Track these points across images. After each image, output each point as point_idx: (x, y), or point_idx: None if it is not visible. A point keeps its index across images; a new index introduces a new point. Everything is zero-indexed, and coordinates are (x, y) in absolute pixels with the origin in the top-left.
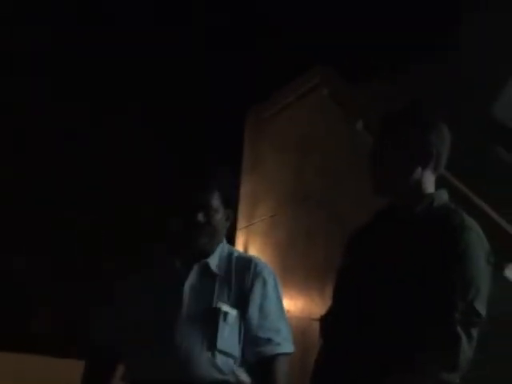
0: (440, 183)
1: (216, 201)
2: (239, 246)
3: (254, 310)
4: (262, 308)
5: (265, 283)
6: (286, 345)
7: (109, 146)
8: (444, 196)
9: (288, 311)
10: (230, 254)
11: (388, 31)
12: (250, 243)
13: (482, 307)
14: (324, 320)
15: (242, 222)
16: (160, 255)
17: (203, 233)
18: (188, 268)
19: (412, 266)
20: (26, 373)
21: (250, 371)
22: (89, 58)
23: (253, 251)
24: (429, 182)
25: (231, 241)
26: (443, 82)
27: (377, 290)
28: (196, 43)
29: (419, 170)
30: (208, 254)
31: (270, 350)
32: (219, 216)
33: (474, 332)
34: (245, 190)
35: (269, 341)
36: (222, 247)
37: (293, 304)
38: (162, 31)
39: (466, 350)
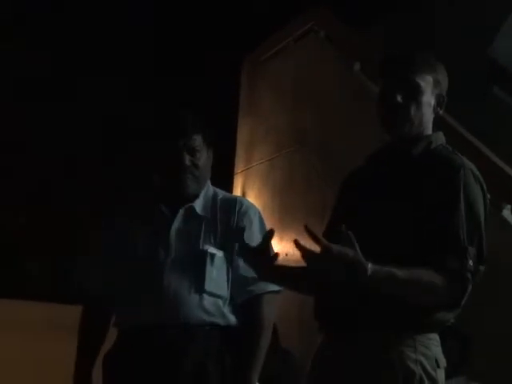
0: (438, 123)
1: (199, 142)
2: (237, 190)
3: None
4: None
5: (251, 223)
6: (268, 284)
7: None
8: (441, 138)
9: (287, 254)
10: (215, 196)
11: None
12: (247, 186)
13: (486, 252)
14: None
15: (239, 166)
16: (146, 202)
17: (191, 176)
18: (174, 213)
19: (411, 207)
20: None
21: (236, 311)
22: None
23: (251, 194)
24: (429, 123)
25: (229, 184)
26: (441, 24)
27: (374, 232)
28: None
29: (432, 115)
30: (193, 198)
31: (258, 288)
32: (204, 157)
33: (478, 275)
34: (242, 134)
35: (257, 279)
36: (207, 189)
37: (292, 247)
38: None
39: (468, 294)
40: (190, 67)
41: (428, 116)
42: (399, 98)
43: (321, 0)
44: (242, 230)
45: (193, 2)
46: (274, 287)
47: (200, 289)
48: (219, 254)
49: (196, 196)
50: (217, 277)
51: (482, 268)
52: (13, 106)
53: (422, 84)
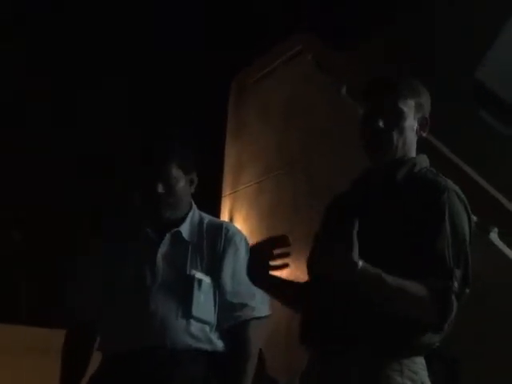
0: (424, 146)
1: (174, 169)
2: (225, 213)
3: (227, 277)
4: (234, 274)
5: (236, 249)
6: (261, 308)
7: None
8: (425, 161)
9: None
10: (201, 221)
11: None
12: (235, 210)
13: (471, 273)
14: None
15: (227, 189)
16: (133, 227)
17: (165, 204)
18: (161, 237)
19: (393, 232)
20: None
21: (223, 337)
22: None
23: (238, 218)
24: (412, 146)
25: (216, 207)
26: (427, 47)
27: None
28: (182, 10)
29: (414, 138)
30: (179, 222)
31: (245, 314)
32: (181, 184)
33: (463, 298)
34: (229, 157)
35: (244, 305)
36: (193, 214)
37: (279, 271)
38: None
39: (453, 317)
40: (178, 89)
41: (411, 139)
42: (381, 124)
43: (308, 22)
44: (228, 256)
45: (179, 24)
46: (261, 313)
47: (187, 314)
48: (206, 279)
49: (181, 220)
50: (204, 302)
51: (467, 290)
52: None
53: (405, 109)
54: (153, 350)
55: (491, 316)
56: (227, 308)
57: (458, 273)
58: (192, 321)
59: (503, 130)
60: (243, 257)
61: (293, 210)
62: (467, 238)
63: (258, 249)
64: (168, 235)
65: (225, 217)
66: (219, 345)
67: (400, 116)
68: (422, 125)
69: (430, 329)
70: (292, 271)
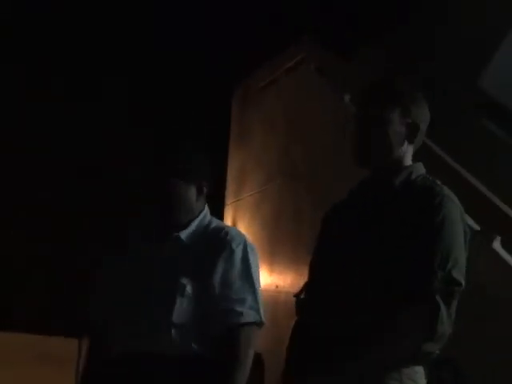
0: (424, 153)
1: (175, 182)
2: (228, 221)
3: (216, 281)
4: (226, 278)
5: (231, 253)
6: (250, 314)
7: (91, 123)
8: (421, 168)
9: (277, 286)
10: (208, 226)
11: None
12: (238, 218)
13: (460, 276)
14: (299, 297)
15: (230, 197)
16: (138, 232)
17: (172, 215)
18: (162, 243)
19: (390, 238)
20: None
21: (213, 343)
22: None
23: (241, 226)
24: (409, 156)
25: (219, 215)
26: (429, 53)
27: (355, 263)
28: (184, 18)
29: (404, 146)
30: (183, 227)
31: (233, 320)
32: (182, 194)
33: (454, 302)
34: (232, 166)
35: (232, 311)
36: (202, 219)
37: (282, 279)
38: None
39: (445, 319)
40: (181, 99)
41: (399, 145)
42: (364, 132)
43: (311, 31)
44: (221, 260)
45: (182, 33)
46: (250, 318)
47: (169, 321)
48: (191, 285)
49: (185, 226)
50: (186, 309)
51: (457, 289)
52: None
53: (388, 115)
54: (141, 356)
55: (496, 323)
56: (215, 313)
57: (441, 274)
58: (173, 327)
59: (506, 138)
60: (238, 261)
61: (295, 219)
62: (460, 244)
63: None
64: (168, 240)
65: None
66: (209, 351)
67: (381, 123)
68: (412, 130)
69: (424, 339)
70: (294, 278)
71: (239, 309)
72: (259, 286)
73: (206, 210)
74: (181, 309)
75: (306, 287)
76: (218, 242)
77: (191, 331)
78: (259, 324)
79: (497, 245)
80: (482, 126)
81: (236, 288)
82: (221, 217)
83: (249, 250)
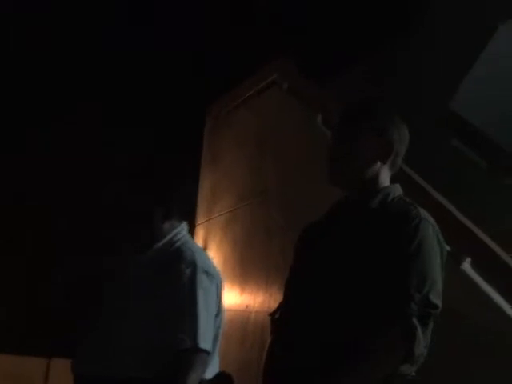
0: (398, 176)
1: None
2: (199, 241)
3: (163, 304)
4: (171, 301)
5: (179, 276)
6: (187, 341)
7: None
8: (398, 189)
9: (247, 306)
10: (171, 247)
11: (348, 24)
12: (209, 238)
13: (437, 299)
14: (273, 316)
15: (200, 218)
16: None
17: (138, 237)
18: (124, 264)
19: (366, 259)
20: None
21: (160, 367)
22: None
23: (212, 246)
24: (385, 178)
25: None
26: (402, 76)
27: (329, 284)
28: (157, 37)
29: (377, 165)
30: (146, 249)
31: (176, 345)
32: (154, 218)
33: (430, 324)
34: (204, 185)
35: (175, 336)
36: (167, 241)
37: (252, 298)
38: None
39: (421, 341)
40: (153, 119)
41: (372, 164)
42: (336, 152)
43: (284, 52)
44: (170, 283)
45: (156, 50)
46: (186, 345)
47: (120, 342)
48: (143, 307)
49: (148, 247)
50: (139, 331)
51: (433, 312)
52: None
53: (359, 136)
54: (94, 376)
55: (465, 346)
56: (159, 337)
57: (417, 297)
58: (125, 349)
59: (476, 159)
60: (186, 283)
61: (266, 239)
62: (437, 267)
63: None
64: (133, 259)
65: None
66: (153, 376)
67: (354, 140)
68: (386, 150)
69: (401, 361)
70: (264, 298)
71: (178, 335)
72: (207, 310)
73: (178, 229)
74: (128, 331)
75: (281, 306)
76: (171, 263)
77: (138, 354)
78: (196, 352)
79: (466, 266)
80: (453, 146)
81: (178, 313)
82: (191, 236)
83: (198, 273)
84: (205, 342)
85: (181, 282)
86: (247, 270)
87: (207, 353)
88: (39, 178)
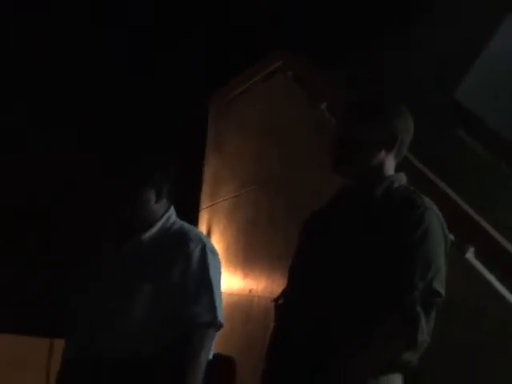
0: (403, 165)
1: (145, 193)
2: (202, 226)
3: (173, 282)
4: (182, 279)
5: (189, 254)
6: (205, 314)
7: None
8: (403, 178)
9: (250, 290)
10: (170, 228)
11: (352, 15)
12: (213, 223)
13: (440, 287)
14: (277, 302)
15: (205, 202)
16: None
17: (131, 223)
18: (124, 245)
19: (370, 247)
20: None
21: (169, 344)
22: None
23: (216, 231)
24: (390, 166)
25: (194, 221)
26: (408, 67)
27: (333, 272)
28: (163, 27)
29: (382, 154)
30: (145, 230)
31: (188, 320)
32: (146, 198)
33: (433, 311)
34: (208, 171)
35: (187, 312)
36: (164, 221)
37: (256, 283)
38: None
39: (425, 329)
40: (157, 106)
41: (377, 153)
42: (341, 141)
43: (287, 42)
44: (177, 263)
45: (158, 38)
46: (205, 319)
47: (123, 325)
48: (152, 286)
49: (147, 228)
50: (148, 310)
51: (436, 301)
52: None
53: (363, 126)
54: (95, 359)
55: (468, 335)
56: (169, 315)
57: (421, 285)
58: (127, 331)
59: (480, 149)
60: (195, 262)
61: (270, 225)
62: (441, 256)
63: None
64: (129, 242)
65: (203, 230)
66: (162, 353)
67: (358, 131)
68: (391, 139)
69: (404, 349)
70: (268, 283)
71: (194, 309)
72: (218, 288)
73: (170, 212)
74: (137, 311)
75: (285, 293)
76: (176, 243)
77: (148, 333)
78: (216, 325)
79: (470, 255)
80: (458, 137)
81: (192, 289)
82: (196, 222)
83: (207, 251)
84: (221, 317)
85: (192, 260)
86: (251, 256)
87: (221, 327)
88: (39, 178)
